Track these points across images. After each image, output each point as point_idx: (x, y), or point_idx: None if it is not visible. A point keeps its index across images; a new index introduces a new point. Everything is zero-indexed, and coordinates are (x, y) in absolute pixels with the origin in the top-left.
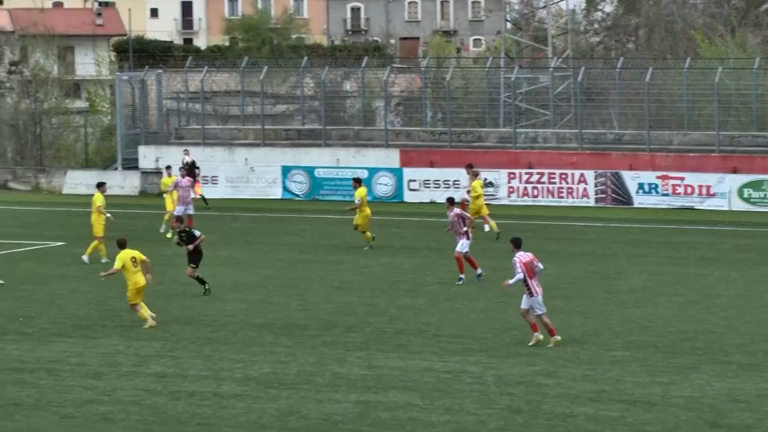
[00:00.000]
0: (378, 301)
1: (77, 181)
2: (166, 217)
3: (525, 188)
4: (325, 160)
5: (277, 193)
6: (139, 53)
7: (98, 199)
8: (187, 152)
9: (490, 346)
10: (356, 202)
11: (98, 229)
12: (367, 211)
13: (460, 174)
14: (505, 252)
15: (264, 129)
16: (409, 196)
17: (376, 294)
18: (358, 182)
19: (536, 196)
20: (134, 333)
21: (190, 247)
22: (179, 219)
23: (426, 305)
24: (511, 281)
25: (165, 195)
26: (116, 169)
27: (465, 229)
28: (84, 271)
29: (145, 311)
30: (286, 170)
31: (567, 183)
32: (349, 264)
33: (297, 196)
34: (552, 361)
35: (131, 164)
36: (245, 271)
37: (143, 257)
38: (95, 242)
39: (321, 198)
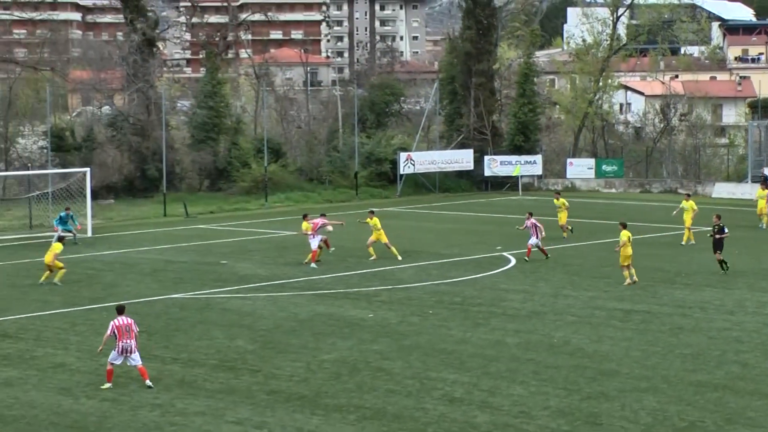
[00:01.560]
0: None
1: (721, 189)
2: (764, 219)
3: None
4: None
5: None
6: (765, 108)
7: (691, 204)
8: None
9: None
10: None
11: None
12: None
13: None
14: None
15: None
16: None
17: None
18: None
19: None
20: (759, 285)
21: (717, 236)
22: (718, 216)
23: None
24: None
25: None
26: (747, 182)
27: None
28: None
29: (627, 273)
30: None
31: None
32: None
33: None
34: None
35: (756, 179)
36: None
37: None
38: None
39: None
